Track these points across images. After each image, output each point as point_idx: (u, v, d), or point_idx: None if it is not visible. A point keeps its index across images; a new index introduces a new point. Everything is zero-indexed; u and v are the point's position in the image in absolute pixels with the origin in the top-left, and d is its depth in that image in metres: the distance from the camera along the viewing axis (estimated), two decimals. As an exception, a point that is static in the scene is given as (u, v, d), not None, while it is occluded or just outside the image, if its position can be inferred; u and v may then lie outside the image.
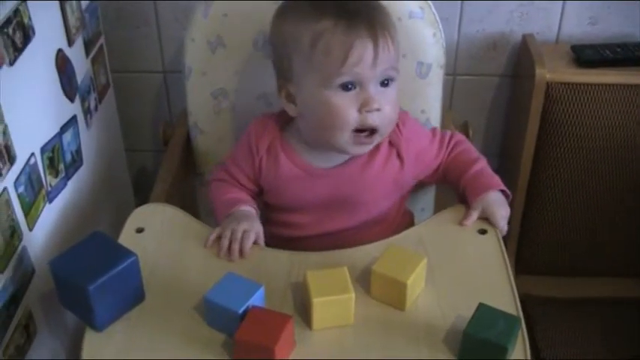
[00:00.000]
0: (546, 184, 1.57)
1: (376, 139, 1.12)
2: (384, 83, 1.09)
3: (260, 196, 1.24)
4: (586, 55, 1.48)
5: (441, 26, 1.31)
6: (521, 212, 1.62)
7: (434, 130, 1.28)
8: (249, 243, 1.08)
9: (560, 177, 1.56)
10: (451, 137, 1.25)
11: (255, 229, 1.10)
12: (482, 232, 1.11)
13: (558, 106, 1.48)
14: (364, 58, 1.05)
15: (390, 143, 1.18)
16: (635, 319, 1.58)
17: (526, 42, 1.54)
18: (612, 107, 1.47)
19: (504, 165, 1.73)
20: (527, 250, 1.67)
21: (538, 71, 1.45)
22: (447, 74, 1.36)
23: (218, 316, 0.93)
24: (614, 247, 1.64)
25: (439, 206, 1.43)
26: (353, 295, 0.94)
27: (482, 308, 0.91)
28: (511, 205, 1.59)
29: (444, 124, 1.41)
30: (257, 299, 0.93)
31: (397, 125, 1.17)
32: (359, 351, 0.92)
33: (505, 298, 0.98)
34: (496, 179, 1.18)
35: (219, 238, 1.09)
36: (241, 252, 1.07)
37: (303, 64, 1.08)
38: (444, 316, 0.96)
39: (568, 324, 1.57)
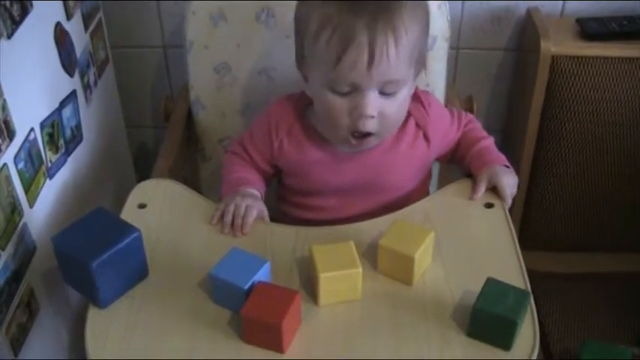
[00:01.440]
0: (550, 159, 1.56)
1: (372, 141, 1.09)
2: (385, 94, 1.03)
3: (274, 178, 1.22)
4: (591, 28, 1.46)
5: (446, -2, 1.29)
6: (525, 187, 1.61)
7: (451, 110, 1.25)
8: (251, 218, 1.06)
9: (565, 151, 1.54)
10: (465, 116, 1.24)
11: (258, 205, 1.09)
12: (489, 205, 1.10)
13: (563, 80, 1.46)
14: (358, 64, 0.99)
15: (417, 125, 1.15)
16: (639, 293, 1.57)
17: (531, 15, 1.51)
18: (618, 81, 1.45)
19: (508, 140, 1.71)
20: (530, 225, 1.66)
21: (543, 44, 1.43)
22: (450, 48, 1.34)
23: (223, 293, 0.92)
24: (618, 221, 1.63)
25: (443, 180, 1.42)
26: (360, 269, 0.93)
27: (491, 283, 0.90)
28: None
29: (448, 99, 1.40)
30: (263, 275, 0.92)
31: (423, 106, 1.15)
32: (366, 327, 0.91)
33: (513, 272, 0.98)
34: (502, 157, 1.17)
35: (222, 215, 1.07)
36: (243, 227, 1.05)
37: (310, 50, 1.05)
38: (452, 291, 0.95)
39: (572, 299, 1.56)
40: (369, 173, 1.15)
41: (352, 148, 1.10)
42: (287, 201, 1.23)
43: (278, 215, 1.13)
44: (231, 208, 1.07)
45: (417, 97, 1.15)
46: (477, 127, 1.24)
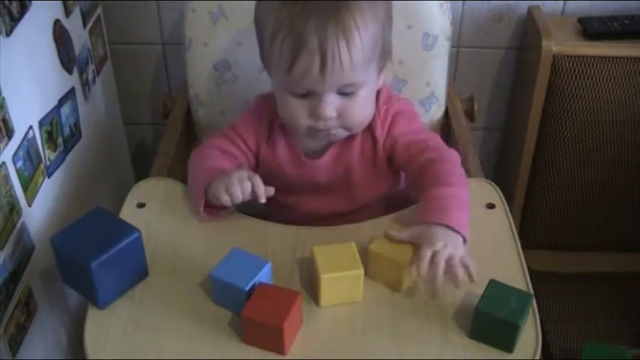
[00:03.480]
0: (551, 158, 1.56)
1: (342, 132, 1.07)
2: (344, 94, 1.02)
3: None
4: (593, 28, 1.45)
5: (447, -4, 1.28)
6: (525, 186, 1.61)
7: (431, 133, 1.17)
8: (261, 185, 1.01)
9: (565, 151, 1.54)
10: (436, 139, 1.11)
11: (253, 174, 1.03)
12: (490, 206, 1.09)
13: (564, 80, 1.46)
14: (311, 71, 0.97)
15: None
16: (639, 293, 1.57)
17: (532, 14, 1.51)
18: (619, 80, 1.45)
19: (509, 138, 1.71)
20: (530, 224, 1.66)
21: (544, 44, 1.43)
22: (451, 46, 1.33)
23: (224, 294, 0.91)
24: (619, 221, 1.63)
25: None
26: (362, 271, 0.92)
27: (493, 285, 0.90)
28: (515, 179, 1.59)
29: (449, 97, 1.39)
30: (264, 275, 0.91)
31: (377, 103, 1.11)
32: (368, 328, 0.91)
33: (515, 273, 0.97)
34: (462, 218, 0.97)
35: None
36: (260, 194, 1.00)
37: (267, 53, 1.03)
38: (454, 292, 0.94)
39: (572, 298, 1.57)
40: (330, 175, 1.12)
41: (315, 141, 1.10)
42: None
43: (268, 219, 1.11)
44: (235, 180, 1.00)
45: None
46: (449, 169, 1.04)
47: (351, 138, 1.11)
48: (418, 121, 1.16)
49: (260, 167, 1.17)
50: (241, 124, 1.16)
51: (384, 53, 1.05)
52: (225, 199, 1.00)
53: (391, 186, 1.17)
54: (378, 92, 1.11)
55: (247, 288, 0.89)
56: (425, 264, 0.91)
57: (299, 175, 1.15)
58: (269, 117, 1.14)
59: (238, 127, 1.15)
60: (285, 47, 0.97)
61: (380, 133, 1.11)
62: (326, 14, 0.95)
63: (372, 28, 0.99)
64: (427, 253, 0.92)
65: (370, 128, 1.11)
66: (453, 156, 1.07)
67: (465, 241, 0.96)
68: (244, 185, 1.00)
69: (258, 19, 1.04)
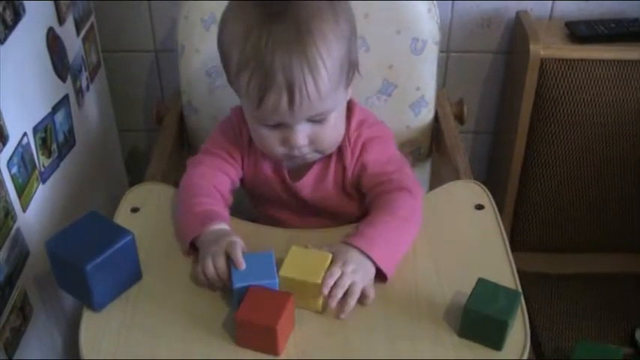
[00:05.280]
0: (540, 161, 1.57)
1: (314, 156, 1.08)
2: (315, 121, 1.01)
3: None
4: (580, 31, 1.47)
5: (435, 2, 1.29)
6: (515, 189, 1.63)
7: (399, 157, 1.13)
8: (238, 254, 0.94)
9: (555, 153, 1.56)
10: (398, 173, 1.08)
11: (235, 240, 0.97)
12: (479, 207, 1.10)
13: (553, 83, 1.47)
14: (279, 106, 0.96)
15: (339, 149, 1.10)
16: (629, 293, 1.58)
17: (520, 18, 1.53)
18: (607, 83, 1.47)
19: (498, 142, 1.72)
20: (520, 227, 1.67)
21: (532, 47, 1.44)
22: (440, 51, 1.35)
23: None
24: (608, 222, 1.64)
25: (434, 182, 1.43)
26: (319, 282, 0.91)
27: (482, 283, 0.91)
28: (505, 181, 1.61)
29: (438, 102, 1.40)
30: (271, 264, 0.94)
31: (348, 129, 1.09)
32: (360, 328, 0.92)
33: (504, 273, 0.98)
34: (388, 254, 0.99)
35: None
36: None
37: (234, 84, 1.03)
38: (444, 292, 0.96)
39: (563, 299, 1.57)
40: (307, 198, 1.13)
41: (292, 163, 1.10)
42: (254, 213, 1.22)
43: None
44: (209, 263, 0.95)
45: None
46: (400, 202, 1.04)
47: (327, 162, 1.11)
48: (391, 148, 1.13)
49: (244, 180, 1.17)
50: (222, 139, 1.14)
51: (351, 69, 1.03)
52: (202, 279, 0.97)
53: (361, 209, 1.15)
54: (350, 115, 1.10)
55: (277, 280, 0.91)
56: (331, 282, 0.91)
57: (284, 193, 1.14)
58: (248, 130, 1.12)
59: (220, 142, 1.14)
60: (253, 84, 0.96)
61: (349, 161, 1.10)
62: (290, 46, 0.94)
63: (336, 54, 0.97)
64: (337, 272, 0.93)
65: (341, 155, 1.10)
66: (414, 190, 1.06)
67: (381, 275, 0.97)
68: (218, 263, 0.95)
69: (222, 47, 1.02)
